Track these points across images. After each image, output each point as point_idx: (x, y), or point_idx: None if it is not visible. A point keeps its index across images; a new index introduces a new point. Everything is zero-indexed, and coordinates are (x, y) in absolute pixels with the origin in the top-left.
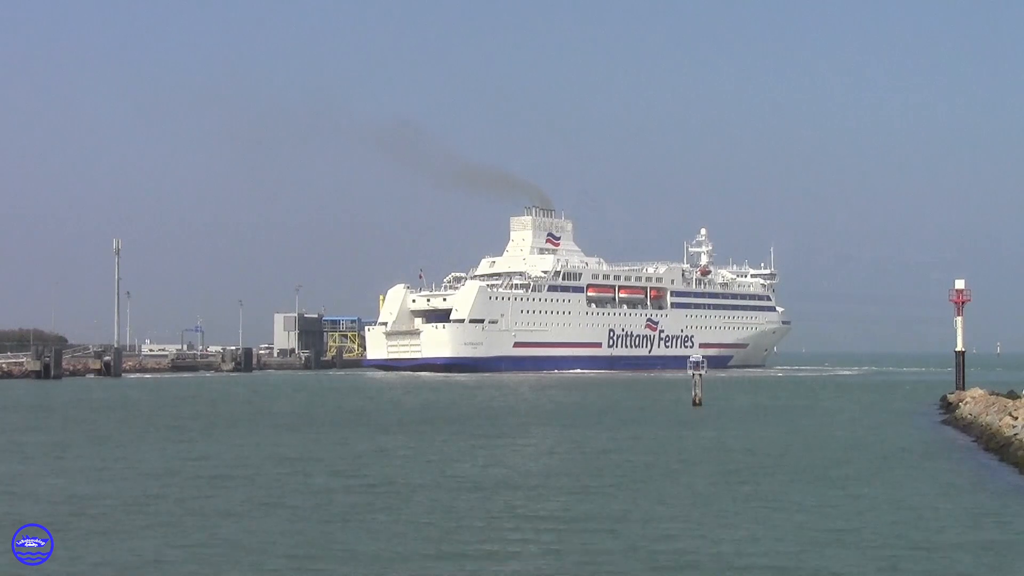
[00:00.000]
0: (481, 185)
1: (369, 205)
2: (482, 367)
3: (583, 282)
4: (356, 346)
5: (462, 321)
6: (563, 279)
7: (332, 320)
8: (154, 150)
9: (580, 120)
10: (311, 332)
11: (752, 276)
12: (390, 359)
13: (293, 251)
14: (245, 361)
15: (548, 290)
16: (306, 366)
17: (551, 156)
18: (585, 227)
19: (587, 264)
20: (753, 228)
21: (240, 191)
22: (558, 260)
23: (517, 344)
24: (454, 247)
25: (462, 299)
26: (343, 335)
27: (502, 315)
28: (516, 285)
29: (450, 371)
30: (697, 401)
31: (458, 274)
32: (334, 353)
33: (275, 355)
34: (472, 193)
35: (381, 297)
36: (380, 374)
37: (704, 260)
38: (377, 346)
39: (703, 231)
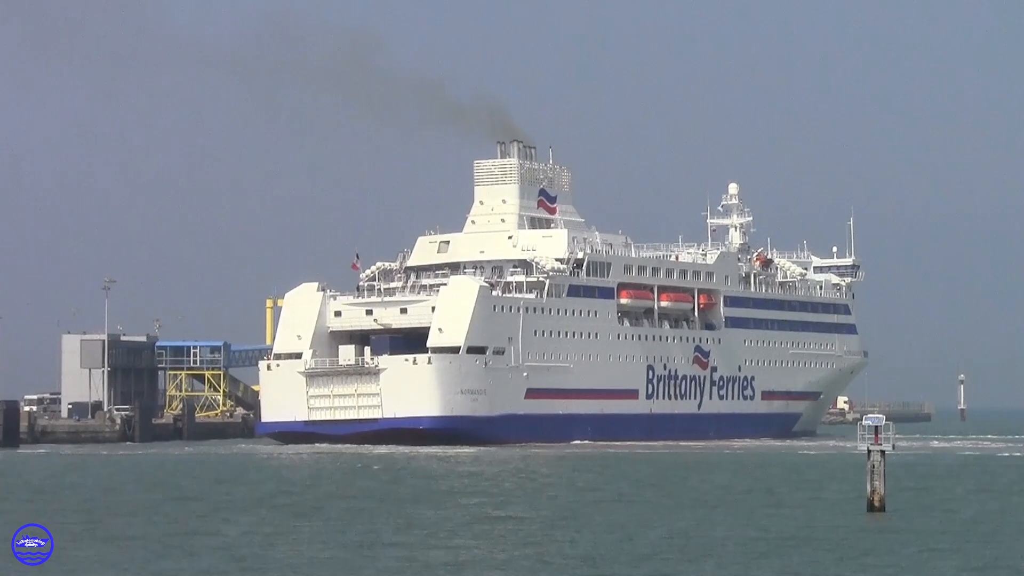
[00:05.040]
0: (414, 110)
1: (221, 147)
2: (483, 432)
3: (613, 279)
4: (223, 396)
5: (455, 351)
6: (588, 275)
7: (174, 347)
8: None
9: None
10: (133, 370)
11: (820, 269)
12: (315, 422)
13: (98, 227)
14: (6, 428)
15: (568, 294)
16: (124, 435)
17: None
18: (579, 182)
19: (611, 246)
20: (806, 187)
21: None
22: (573, 240)
23: (531, 393)
24: (380, 216)
25: (448, 310)
26: (196, 375)
27: (510, 339)
28: (523, 286)
29: (437, 441)
30: (877, 503)
31: (387, 264)
32: (178, 410)
33: (64, 413)
34: (401, 124)
35: (269, 303)
36: (299, 455)
37: (737, 240)
38: (286, 397)
39: (733, 189)
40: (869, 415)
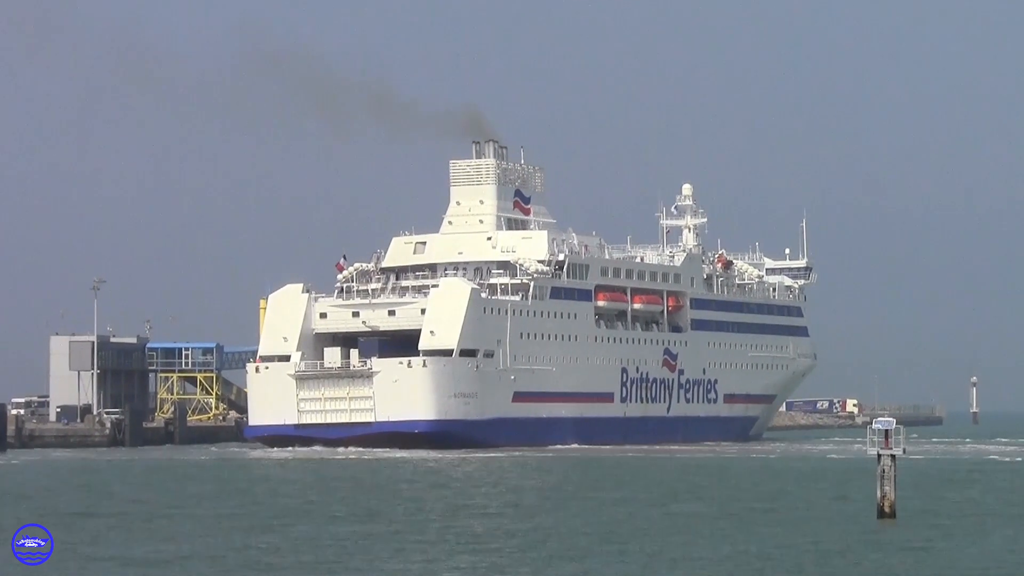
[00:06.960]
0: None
1: (213, 146)
2: (475, 436)
3: (591, 282)
4: (216, 399)
5: (448, 353)
6: (568, 277)
7: (165, 349)
8: None
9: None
10: (123, 373)
11: (772, 271)
12: (305, 426)
13: (87, 227)
14: None
15: (551, 297)
16: (114, 440)
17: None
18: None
19: (587, 248)
20: (759, 189)
21: None
22: (553, 242)
23: (517, 396)
24: (363, 217)
25: (440, 312)
26: (187, 378)
27: (498, 342)
28: (507, 288)
29: (431, 445)
30: (888, 509)
31: (363, 265)
32: (169, 414)
33: (52, 417)
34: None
35: (263, 304)
36: (287, 460)
37: (691, 240)
38: (275, 400)
39: (687, 190)
40: (879, 418)
